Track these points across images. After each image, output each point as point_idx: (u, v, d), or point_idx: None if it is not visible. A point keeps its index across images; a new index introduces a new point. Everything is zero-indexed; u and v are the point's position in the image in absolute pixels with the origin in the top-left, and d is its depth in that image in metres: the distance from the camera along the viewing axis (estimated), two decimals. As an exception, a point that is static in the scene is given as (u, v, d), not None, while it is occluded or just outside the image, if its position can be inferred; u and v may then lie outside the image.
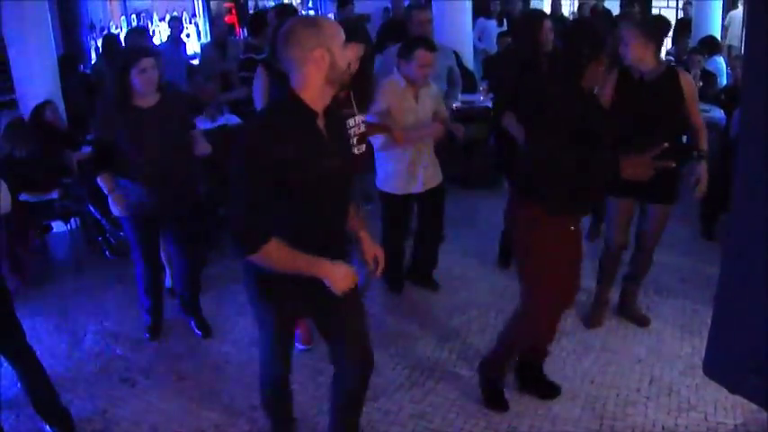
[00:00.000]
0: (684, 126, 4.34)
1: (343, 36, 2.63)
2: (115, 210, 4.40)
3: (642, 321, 4.72)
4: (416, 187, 4.87)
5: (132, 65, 4.15)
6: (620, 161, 3.23)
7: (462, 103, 7.03)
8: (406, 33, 5.41)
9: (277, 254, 2.61)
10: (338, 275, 2.68)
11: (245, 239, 2.60)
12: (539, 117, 3.45)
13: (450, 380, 4.18)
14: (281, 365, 3.15)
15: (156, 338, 4.79)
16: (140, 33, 7.56)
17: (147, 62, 4.18)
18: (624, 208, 4.44)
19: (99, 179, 4.40)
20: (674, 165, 3.33)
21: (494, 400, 3.91)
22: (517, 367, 4.03)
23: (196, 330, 4.82)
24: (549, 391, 3.99)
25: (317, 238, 2.72)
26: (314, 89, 2.59)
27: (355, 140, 4.12)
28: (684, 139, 4.80)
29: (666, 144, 3.30)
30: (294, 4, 14.03)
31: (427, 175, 4.88)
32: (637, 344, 4.48)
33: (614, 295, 4.83)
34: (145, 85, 4.21)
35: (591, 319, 4.72)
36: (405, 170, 4.79)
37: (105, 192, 4.40)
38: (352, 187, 2.95)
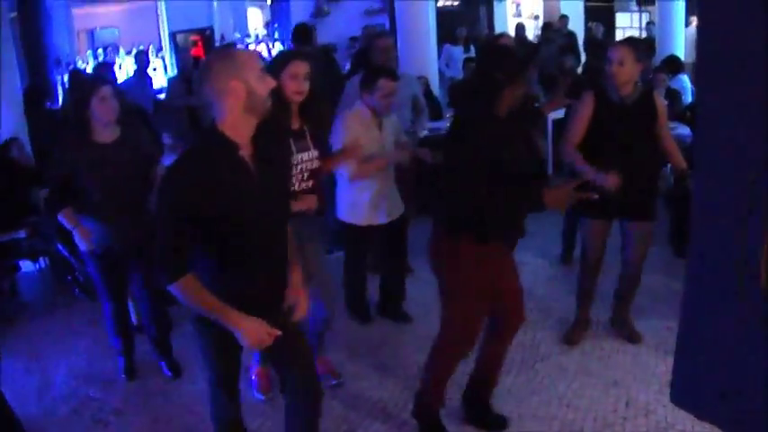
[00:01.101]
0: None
1: (259, 65, 2.64)
2: (82, 245, 4.28)
3: (634, 337, 4.73)
4: (380, 218, 4.84)
5: (92, 93, 4.06)
6: (544, 192, 3.25)
7: (429, 130, 7.01)
8: (369, 62, 5.41)
9: (191, 290, 2.61)
10: (248, 330, 2.67)
11: (164, 270, 2.62)
12: (453, 144, 3.48)
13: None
14: (231, 408, 3.09)
15: (132, 378, 4.70)
16: (106, 68, 7.55)
17: (107, 90, 4.10)
18: (598, 230, 4.46)
19: (60, 216, 4.28)
20: (596, 197, 3.37)
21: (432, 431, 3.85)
22: (464, 397, 3.99)
23: (167, 371, 4.72)
24: (495, 423, 3.92)
25: (250, 266, 2.74)
26: (233, 120, 2.60)
27: (305, 175, 3.91)
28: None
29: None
30: (260, 36, 14.13)
31: (390, 206, 4.86)
32: (612, 365, 4.49)
33: (596, 314, 4.85)
34: (105, 115, 4.10)
35: (567, 336, 4.76)
36: (368, 201, 4.77)
37: (69, 228, 4.28)
38: (286, 218, 2.91)
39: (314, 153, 3.94)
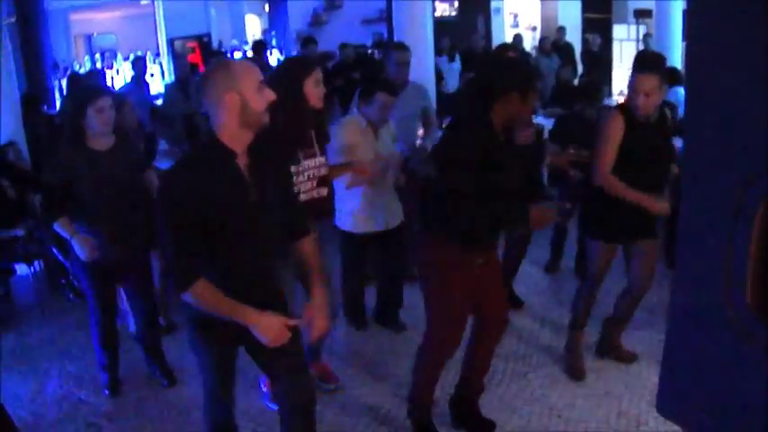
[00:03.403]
0: None
1: (258, 78, 2.66)
2: (81, 253, 4.13)
3: (630, 358, 4.66)
4: (378, 226, 4.84)
5: (89, 103, 4.04)
6: (529, 210, 3.33)
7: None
8: (373, 73, 5.41)
9: (204, 294, 2.64)
10: (265, 326, 2.71)
11: (176, 279, 2.65)
12: (444, 145, 3.55)
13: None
14: (224, 410, 3.12)
15: (116, 394, 4.62)
16: (98, 75, 7.56)
17: (105, 101, 4.09)
18: (607, 253, 4.37)
19: (56, 225, 4.16)
20: (568, 206, 3.44)
21: None
22: (451, 402, 4.05)
23: (160, 378, 4.71)
24: (482, 427, 3.96)
25: (246, 276, 2.77)
26: (229, 132, 2.64)
27: (315, 183, 3.95)
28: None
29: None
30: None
31: (388, 214, 4.85)
32: (604, 377, 4.50)
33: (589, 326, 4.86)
34: (101, 125, 4.09)
35: (574, 371, 4.54)
36: (366, 208, 4.77)
37: (66, 236, 4.17)
38: (276, 227, 2.90)
39: (321, 159, 3.98)
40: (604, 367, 4.60)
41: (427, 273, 3.67)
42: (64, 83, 10.32)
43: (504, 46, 6.24)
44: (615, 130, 4.06)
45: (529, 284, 5.93)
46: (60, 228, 4.17)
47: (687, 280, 1.57)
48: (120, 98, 5.49)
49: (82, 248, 4.12)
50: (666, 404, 1.64)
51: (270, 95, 2.67)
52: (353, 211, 4.79)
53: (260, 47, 11.01)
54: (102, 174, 4.11)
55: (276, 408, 4.16)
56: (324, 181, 3.99)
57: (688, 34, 1.60)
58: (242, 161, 2.68)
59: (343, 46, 11.27)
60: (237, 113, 2.60)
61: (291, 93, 3.69)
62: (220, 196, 2.60)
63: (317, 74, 3.80)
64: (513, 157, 3.54)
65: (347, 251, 5.06)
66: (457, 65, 11.40)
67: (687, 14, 1.63)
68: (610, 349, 4.70)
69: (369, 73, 5.08)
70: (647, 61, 4.06)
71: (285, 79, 3.71)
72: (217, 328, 2.77)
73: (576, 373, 4.51)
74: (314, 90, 3.75)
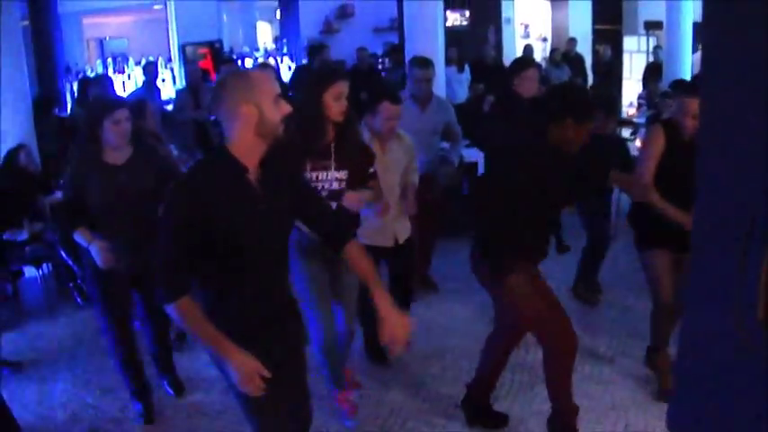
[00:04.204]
0: None
1: (275, 89, 2.59)
2: (100, 261, 4.00)
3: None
4: (387, 240, 4.67)
5: (106, 116, 3.96)
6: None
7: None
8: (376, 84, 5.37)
9: (189, 313, 2.55)
10: (239, 366, 2.53)
11: (164, 287, 2.56)
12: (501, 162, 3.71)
13: (422, 428, 4.16)
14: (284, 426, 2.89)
15: (152, 422, 4.34)
16: (106, 81, 7.58)
17: (122, 113, 3.99)
18: (662, 261, 4.27)
19: (76, 235, 4.06)
20: None
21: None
22: (464, 401, 4.12)
23: (168, 389, 4.63)
24: (497, 420, 4.08)
25: (252, 295, 2.68)
26: (244, 143, 2.57)
27: (325, 195, 3.69)
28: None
29: None
30: (269, 50, 14.19)
31: (397, 228, 4.70)
32: (611, 390, 4.48)
33: (596, 341, 4.84)
34: (118, 138, 4.00)
35: (661, 393, 4.34)
36: (376, 220, 4.50)
37: (85, 245, 4.03)
38: (287, 238, 2.82)
39: (336, 174, 3.81)
40: (612, 381, 4.58)
41: (495, 288, 3.80)
42: (75, 86, 10.34)
43: (524, 60, 6.16)
44: (656, 146, 4.11)
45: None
46: (80, 237, 4.05)
47: (699, 296, 1.56)
48: (140, 103, 5.50)
49: (100, 255, 3.99)
50: (677, 420, 1.63)
51: (286, 108, 2.60)
52: (363, 222, 4.61)
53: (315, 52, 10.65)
54: (117, 188, 4.02)
55: (354, 425, 4.17)
56: (336, 195, 3.78)
57: (702, 48, 1.59)
58: (253, 175, 2.62)
59: (362, 49, 11.47)
60: (254, 125, 2.54)
61: (307, 103, 3.65)
62: (229, 212, 2.54)
63: (339, 86, 3.65)
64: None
65: None
66: (466, 75, 11.39)
67: (700, 27, 1.63)
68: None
69: (376, 91, 5.00)
70: (697, 84, 4.09)
71: (305, 88, 3.66)
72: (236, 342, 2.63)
73: (660, 393, 4.35)
74: (333, 103, 3.64)
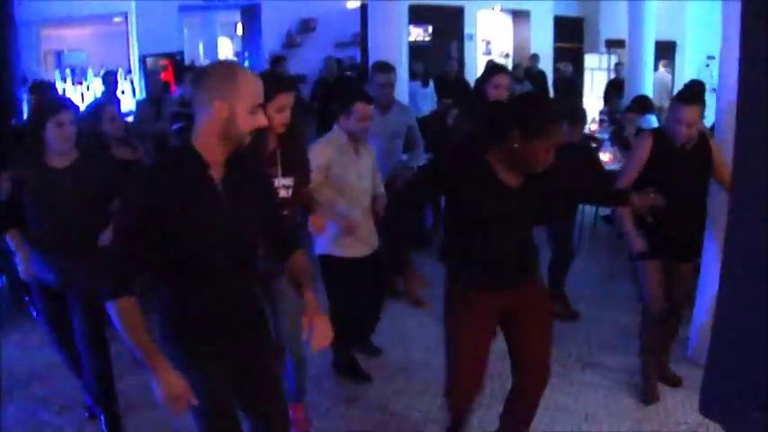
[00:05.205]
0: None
1: (258, 99, 2.50)
2: (21, 271, 3.94)
3: (676, 382, 4.58)
4: (361, 250, 4.61)
5: (50, 116, 3.79)
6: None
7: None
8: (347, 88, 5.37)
9: (128, 314, 2.43)
10: (165, 384, 2.43)
11: (108, 281, 2.45)
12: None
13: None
14: None
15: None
16: (46, 87, 7.44)
17: (66, 116, 3.82)
18: (654, 267, 4.28)
19: (7, 236, 3.95)
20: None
21: None
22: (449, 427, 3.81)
23: (92, 410, 4.26)
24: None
25: (212, 291, 2.57)
26: (205, 139, 2.48)
27: None
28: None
29: None
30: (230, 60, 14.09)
31: (370, 237, 4.65)
32: (583, 400, 4.45)
33: (567, 348, 4.79)
34: (61, 141, 3.81)
35: (648, 396, 4.42)
36: (345, 233, 4.46)
37: (12, 248, 3.94)
38: (253, 246, 2.73)
39: (283, 181, 3.77)
40: (583, 391, 4.56)
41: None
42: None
43: (496, 66, 5.98)
44: (641, 151, 4.19)
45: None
46: (10, 239, 3.96)
47: (734, 289, 1.54)
48: (98, 107, 5.26)
49: (20, 265, 3.94)
50: (710, 403, 1.63)
51: (260, 121, 2.50)
52: (337, 234, 4.49)
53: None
54: (54, 193, 3.85)
55: None
56: (284, 204, 3.63)
57: (743, 56, 1.57)
58: (216, 172, 2.52)
59: (329, 58, 11.58)
60: (220, 124, 2.44)
61: None
62: (187, 204, 2.44)
63: (282, 98, 3.57)
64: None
65: (333, 278, 4.68)
66: (430, 90, 11.42)
67: (742, 35, 1.59)
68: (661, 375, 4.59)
69: (348, 92, 4.96)
70: (692, 93, 4.11)
71: None
72: (203, 345, 2.58)
73: (647, 397, 4.40)
74: (275, 115, 3.54)
